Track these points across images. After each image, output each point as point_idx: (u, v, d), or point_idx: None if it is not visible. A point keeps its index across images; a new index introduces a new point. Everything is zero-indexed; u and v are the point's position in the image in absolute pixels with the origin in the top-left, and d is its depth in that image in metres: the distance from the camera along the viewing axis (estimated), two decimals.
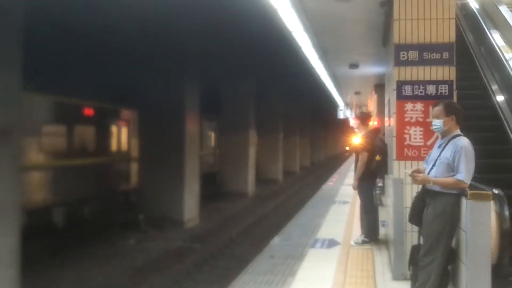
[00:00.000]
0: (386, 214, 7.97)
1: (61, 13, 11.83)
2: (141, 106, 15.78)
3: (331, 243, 7.57)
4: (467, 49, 10.81)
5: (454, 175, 4.24)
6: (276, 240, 8.05)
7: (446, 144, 4.38)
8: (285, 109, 32.31)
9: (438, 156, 4.40)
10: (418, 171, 4.53)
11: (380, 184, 8.86)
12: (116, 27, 12.79)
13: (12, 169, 7.89)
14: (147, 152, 15.51)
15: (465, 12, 12.32)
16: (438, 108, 4.46)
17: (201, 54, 16.00)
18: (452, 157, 4.27)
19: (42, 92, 12.07)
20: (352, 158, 36.43)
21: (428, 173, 4.45)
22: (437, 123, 4.44)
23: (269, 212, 18.55)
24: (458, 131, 4.44)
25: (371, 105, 18.80)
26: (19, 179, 8.08)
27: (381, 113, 12.98)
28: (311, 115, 45.00)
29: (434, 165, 4.43)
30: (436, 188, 4.32)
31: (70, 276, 9.99)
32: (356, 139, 8.24)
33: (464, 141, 4.31)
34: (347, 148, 62.28)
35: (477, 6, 11.73)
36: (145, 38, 14.06)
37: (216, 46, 16.19)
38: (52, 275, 9.90)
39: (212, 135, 23.52)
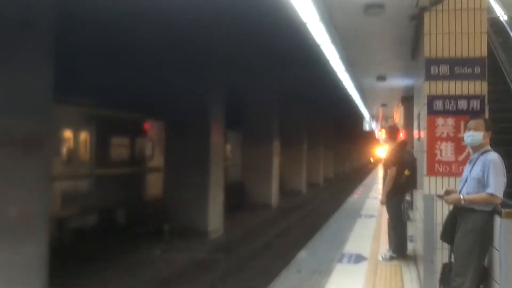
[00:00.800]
0: (414, 229, 7.87)
1: (89, 23, 12.01)
2: (167, 118, 15.91)
3: (358, 258, 7.48)
4: (498, 68, 10.54)
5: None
6: (302, 254, 7.99)
7: (476, 160, 4.32)
8: (309, 121, 32.21)
9: (469, 173, 4.33)
10: (449, 192, 4.47)
11: (407, 199, 8.73)
12: (144, 41, 12.93)
13: (42, 178, 8.01)
14: (173, 163, 15.61)
15: (495, 28, 12.09)
16: (479, 121, 4.41)
17: (227, 66, 16.10)
18: (482, 172, 4.20)
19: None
20: (377, 170, 36.16)
21: (460, 191, 4.38)
22: (476, 135, 4.36)
23: (293, 224, 18.45)
24: (489, 147, 4.38)
25: (397, 117, 18.63)
26: (48, 188, 8.19)
27: (407, 125, 12.85)
28: (336, 126, 44.78)
29: (466, 181, 4.36)
30: (468, 205, 4.24)
31: (95, 285, 10.05)
32: (381, 151, 8.16)
33: (493, 156, 4.25)
34: (371, 160, 61.86)
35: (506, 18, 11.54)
36: (172, 51, 14.20)
37: (242, 57, 16.26)
38: (78, 284, 9.98)
39: (236, 146, 23.56)
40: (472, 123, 4.45)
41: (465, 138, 4.52)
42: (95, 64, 15.46)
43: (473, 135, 4.40)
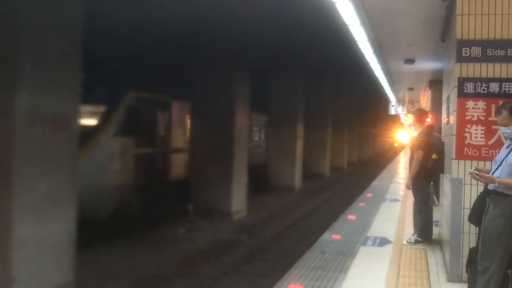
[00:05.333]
0: (439, 213, 7.81)
1: (120, 9, 12.07)
2: (193, 99, 15.98)
3: (383, 242, 7.47)
4: None
5: None
6: (326, 236, 8.00)
7: None
8: (334, 104, 31.98)
9: (505, 157, 4.26)
10: (482, 170, 4.39)
11: (432, 183, 8.65)
12: (173, 22, 12.93)
13: (70, 155, 8.14)
14: (198, 144, 15.72)
15: None
16: (503, 116, 4.31)
17: (252, 48, 16.05)
18: None
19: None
20: (402, 155, 35.84)
21: (493, 173, 4.31)
22: (506, 131, 4.30)
23: (316, 207, 18.47)
24: None
25: (424, 102, 18.39)
26: (76, 165, 8.31)
27: (435, 110, 12.68)
28: (361, 110, 44.40)
29: (499, 165, 4.29)
30: (500, 189, 4.18)
31: (122, 263, 10.25)
32: (405, 136, 8.08)
33: None
34: (395, 144, 61.29)
35: None
36: (199, 32, 14.20)
37: (267, 38, 16.17)
38: (105, 262, 10.20)
39: (261, 129, 23.56)
40: (499, 118, 4.38)
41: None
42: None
43: (505, 131, 4.34)
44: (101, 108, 12.66)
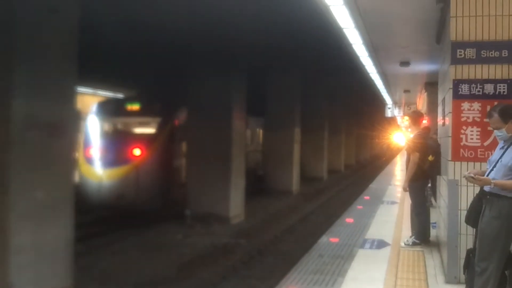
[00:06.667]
0: (436, 215, 7.82)
1: (118, 11, 12.08)
2: (190, 103, 15.96)
3: (381, 244, 7.47)
4: None
5: None
6: (324, 239, 8.00)
7: (508, 147, 4.26)
8: (331, 107, 32.00)
9: (500, 158, 4.27)
10: (478, 173, 4.41)
11: (429, 185, 8.67)
12: (168, 25, 12.93)
13: (67, 162, 8.14)
14: (195, 148, 15.68)
15: None
16: (494, 119, 4.32)
17: (248, 52, 16.05)
18: None
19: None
20: (399, 157, 35.88)
21: (488, 175, 4.32)
22: (499, 134, 4.32)
23: (314, 210, 18.47)
24: None
25: (420, 104, 18.43)
26: (73, 172, 8.32)
27: (431, 111, 12.72)
28: (358, 112, 44.43)
29: (494, 166, 4.30)
30: (495, 190, 4.19)
31: (120, 267, 10.23)
32: (401, 138, 8.12)
33: None
34: (392, 146, 61.35)
35: None
36: (195, 36, 14.20)
37: (263, 42, 16.19)
38: (102, 267, 10.20)
39: (257, 132, 23.56)
40: (491, 122, 4.40)
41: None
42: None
43: (497, 134, 4.36)
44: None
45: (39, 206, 7.40)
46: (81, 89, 17.87)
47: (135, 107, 15.21)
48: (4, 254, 6.97)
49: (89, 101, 21.96)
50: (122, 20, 12.39)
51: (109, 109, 15.59)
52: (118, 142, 14.75)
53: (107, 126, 15.32)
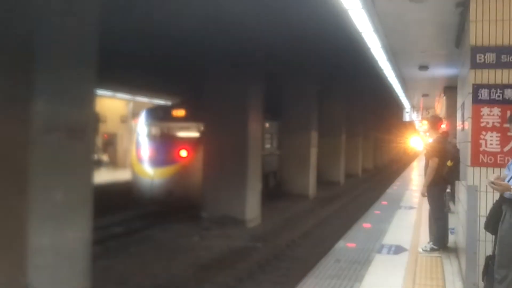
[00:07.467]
0: (455, 221, 7.74)
1: (133, 17, 12.20)
2: (205, 105, 16.04)
3: (398, 249, 7.42)
4: None
5: None
6: (341, 244, 7.96)
7: None
8: (348, 110, 31.86)
9: None
10: (499, 179, 4.35)
11: (448, 190, 8.59)
12: (184, 28, 13.01)
13: (87, 164, 8.22)
14: (211, 151, 15.74)
15: None
16: None
17: (265, 57, 16.06)
18: None
19: None
20: (417, 161, 35.58)
21: (508, 181, 4.27)
22: None
23: (331, 215, 18.37)
24: None
25: (439, 108, 18.26)
26: (92, 174, 8.39)
27: (450, 116, 12.60)
28: (376, 116, 44.19)
29: None
30: None
31: (137, 270, 10.30)
32: (419, 142, 8.06)
33: None
34: (410, 151, 60.92)
35: None
36: (211, 38, 14.26)
37: (280, 47, 16.19)
38: (119, 268, 10.28)
39: (274, 136, 23.55)
40: (510, 128, 4.35)
41: None
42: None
43: None
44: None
45: (58, 207, 7.46)
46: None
47: (180, 113, 16.94)
48: (22, 255, 7.03)
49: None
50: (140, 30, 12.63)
51: (158, 115, 17.55)
52: (166, 144, 16.62)
53: (156, 130, 17.34)
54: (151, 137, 17.14)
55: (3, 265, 7.06)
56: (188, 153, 16.06)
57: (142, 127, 17.55)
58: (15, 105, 7.23)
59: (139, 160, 16.66)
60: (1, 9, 7.24)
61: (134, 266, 10.61)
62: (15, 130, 7.16)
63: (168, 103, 26.65)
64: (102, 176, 22.11)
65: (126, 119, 32.89)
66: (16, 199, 7.09)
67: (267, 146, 21.21)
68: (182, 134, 17.11)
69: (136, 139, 17.51)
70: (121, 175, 23.78)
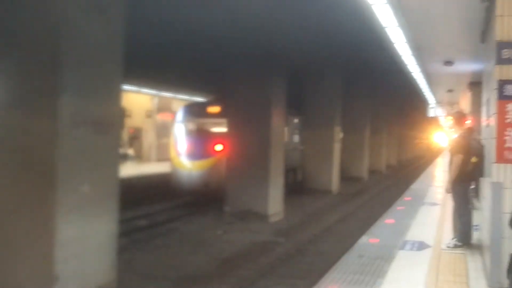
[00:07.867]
0: (479, 218, 7.68)
1: (158, 14, 12.36)
2: (228, 100, 16.16)
3: (421, 246, 7.39)
4: None
5: None
6: (364, 239, 7.97)
7: None
8: (373, 106, 31.63)
9: None
10: None
11: (472, 187, 8.51)
12: (209, 26, 13.13)
13: (113, 158, 8.37)
14: (233, 146, 15.84)
15: None
16: None
17: (289, 51, 16.05)
18: None
19: None
20: (441, 157, 35.18)
21: None
22: None
23: (354, 211, 18.31)
24: None
25: (464, 104, 18.05)
26: (118, 168, 8.53)
27: (475, 112, 12.45)
28: (400, 111, 43.76)
29: None
30: None
31: (161, 263, 10.45)
32: (443, 137, 7.99)
33: None
34: (434, 147, 60.20)
35: None
36: (235, 35, 14.34)
37: (304, 42, 16.18)
38: (144, 260, 10.45)
39: (297, 131, 23.54)
40: None
41: None
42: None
43: None
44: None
45: (85, 200, 7.60)
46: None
47: (215, 109, 17.87)
48: (50, 247, 7.19)
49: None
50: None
51: (194, 112, 18.73)
52: (203, 139, 17.77)
53: (194, 126, 18.42)
54: (188, 132, 18.18)
55: (33, 256, 7.24)
56: (224, 147, 16.70)
57: (179, 123, 18.56)
58: (43, 99, 7.39)
59: (178, 154, 17.66)
60: (29, 3, 7.42)
61: (159, 258, 10.77)
62: (43, 124, 7.32)
63: (194, 98, 27.71)
64: (128, 170, 22.38)
65: (151, 114, 33.25)
66: (45, 191, 7.25)
67: (290, 141, 21.20)
68: (216, 129, 17.92)
69: (174, 134, 18.51)
70: (147, 169, 24.04)
